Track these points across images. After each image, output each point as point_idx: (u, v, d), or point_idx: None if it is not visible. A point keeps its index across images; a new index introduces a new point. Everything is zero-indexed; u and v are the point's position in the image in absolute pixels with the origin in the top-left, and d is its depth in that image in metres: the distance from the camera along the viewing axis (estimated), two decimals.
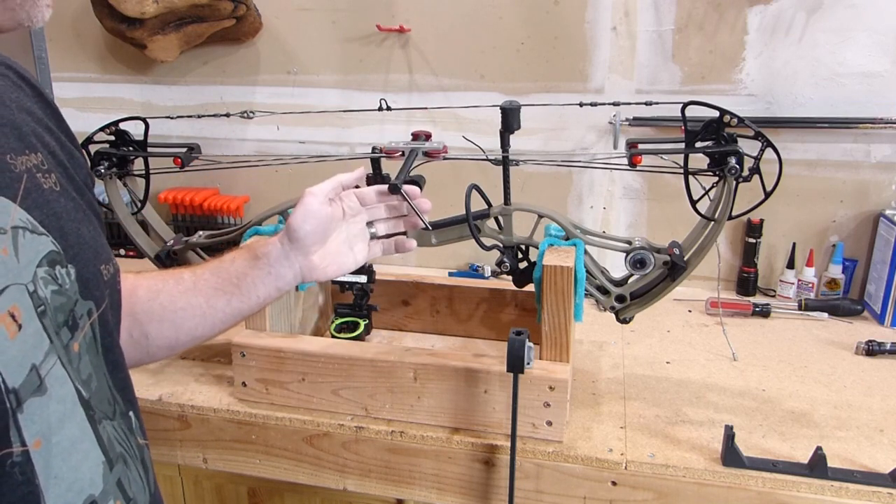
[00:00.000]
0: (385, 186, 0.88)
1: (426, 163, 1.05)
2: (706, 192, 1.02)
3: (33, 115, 0.58)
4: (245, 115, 1.20)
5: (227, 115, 1.25)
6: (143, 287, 0.75)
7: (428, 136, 1.06)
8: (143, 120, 1.14)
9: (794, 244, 1.49)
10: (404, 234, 0.90)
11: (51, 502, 0.49)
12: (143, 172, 1.18)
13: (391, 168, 1.11)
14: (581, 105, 1.05)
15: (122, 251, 1.75)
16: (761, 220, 1.49)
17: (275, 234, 0.82)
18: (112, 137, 1.16)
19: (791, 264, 1.49)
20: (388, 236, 0.89)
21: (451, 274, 1.66)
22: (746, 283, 1.53)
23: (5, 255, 0.48)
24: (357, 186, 0.88)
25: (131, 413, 0.62)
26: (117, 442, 0.58)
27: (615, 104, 1.05)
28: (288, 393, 1.07)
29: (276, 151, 1.72)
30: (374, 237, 0.88)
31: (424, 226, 0.88)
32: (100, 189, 1.20)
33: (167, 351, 0.77)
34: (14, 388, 0.47)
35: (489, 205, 1.07)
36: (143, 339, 0.74)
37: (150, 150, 1.17)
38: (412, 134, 1.06)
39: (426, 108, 1.57)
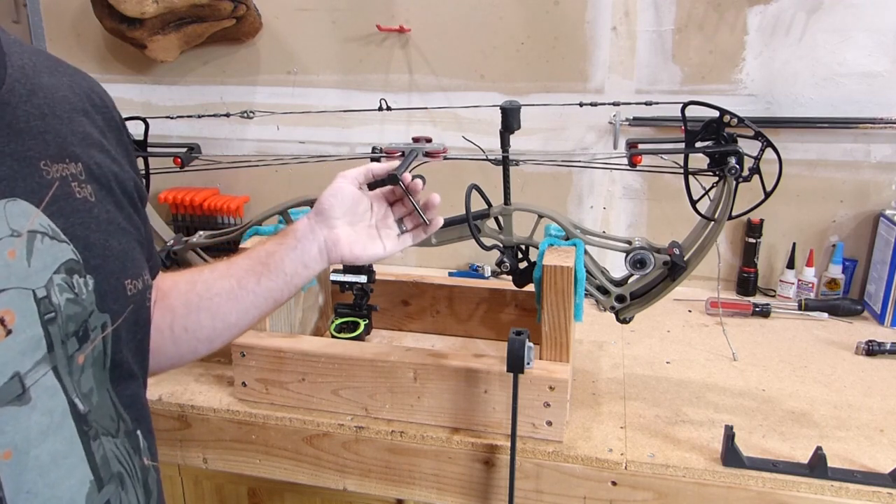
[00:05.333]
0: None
1: (426, 163, 1.05)
2: (706, 192, 1.02)
3: (84, 130, 0.58)
4: (245, 115, 1.20)
5: (227, 115, 1.25)
6: (183, 280, 0.76)
7: (429, 141, 1.06)
8: (143, 120, 1.14)
9: (794, 244, 1.49)
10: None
11: None
12: (143, 172, 1.18)
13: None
14: (581, 105, 1.05)
15: None
16: (761, 220, 1.49)
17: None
18: None
19: (791, 264, 1.49)
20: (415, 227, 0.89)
21: (451, 274, 1.66)
22: (746, 283, 1.53)
23: (11, 258, 0.48)
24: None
25: (139, 432, 0.60)
26: (116, 461, 0.56)
27: (615, 104, 1.05)
28: (288, 393, 1.07)
29: (276, 151, 1.72)
30: (404, 232, 0.88)
31: (423, 220, 0.87)
32: None
33: (207, 344, 0.76)
34: None
35: (489, 205, 1.07)
36: (184, 333, 0.74)
37: (150, 149, 1.17)
38: (412, 139, 1.06)
39: (426, 108, 1.57)
